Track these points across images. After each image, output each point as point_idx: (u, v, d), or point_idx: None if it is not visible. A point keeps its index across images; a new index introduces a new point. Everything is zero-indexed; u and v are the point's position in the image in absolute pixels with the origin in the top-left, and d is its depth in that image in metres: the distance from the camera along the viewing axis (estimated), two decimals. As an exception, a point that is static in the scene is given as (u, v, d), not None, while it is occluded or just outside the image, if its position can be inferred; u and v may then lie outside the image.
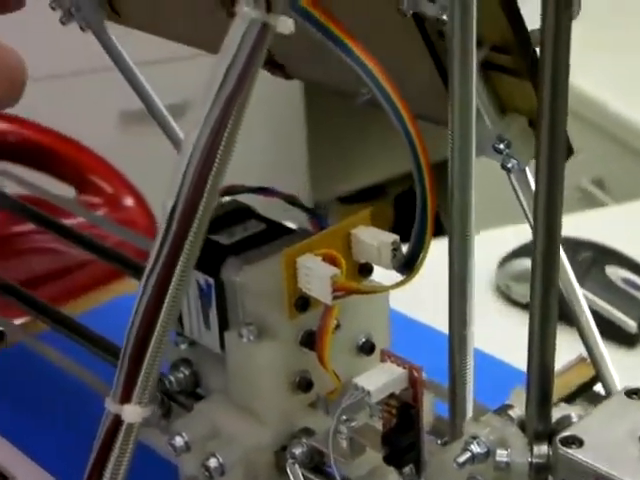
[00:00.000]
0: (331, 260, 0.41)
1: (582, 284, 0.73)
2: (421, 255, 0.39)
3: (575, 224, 0.85)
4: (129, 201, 1.37)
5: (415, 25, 0.42)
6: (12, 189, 0.70)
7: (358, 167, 2.00)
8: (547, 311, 0.35)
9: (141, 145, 1.61)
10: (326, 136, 1.96)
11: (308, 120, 1.90)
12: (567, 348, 0.50)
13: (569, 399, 0.50)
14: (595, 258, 0.78)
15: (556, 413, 0.36)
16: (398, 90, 0.38)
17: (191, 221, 0.35)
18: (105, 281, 0.78)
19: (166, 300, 0.35)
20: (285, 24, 0.34)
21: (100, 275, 0.97)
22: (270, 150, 1.90)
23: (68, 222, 0.82)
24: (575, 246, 0.79)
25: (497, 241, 0.79)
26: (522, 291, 0.77)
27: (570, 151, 0.44)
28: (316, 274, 0.40)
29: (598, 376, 0.49)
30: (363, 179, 2.02)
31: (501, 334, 0.59)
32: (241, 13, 0.34)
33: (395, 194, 1.98)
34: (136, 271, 0.58)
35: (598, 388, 0.50)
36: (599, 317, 0.70)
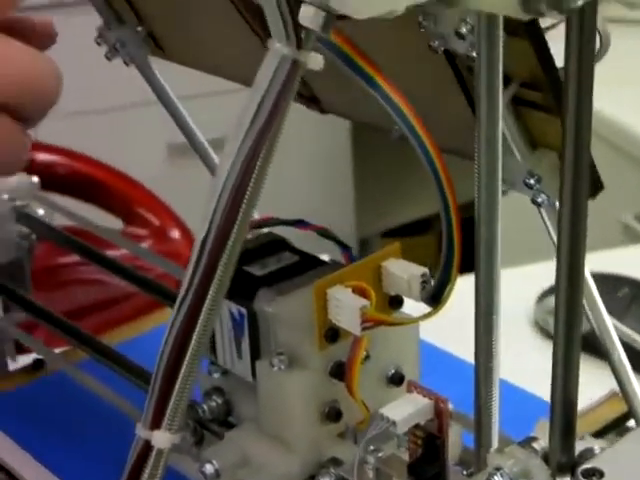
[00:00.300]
0: (361, 292, 0.41)
1: (622, 320, 0.74)
2: (448, 288, 0.40)
3: (616, 260, 0.85)
4: (175, 233, 1.39)
5: (446, 61, 0.43)
6: (59, 220, 0.71)
7: (404, 202, 2.01)
8: (570, 344, 0.36)
9: (188, 177, 1.62)
10: (372, 171, 1.97)
11: (354, 155, 1.92)
12: (603, 383, 0.50)
13: (600, 434, 0.50)
14: (635, 294, 0.78)
15: (580, 446, 0.37)
16: (424, 124, 0.39)
17: (222, 251, 0.35)
18: (149, 312, 0.79)
19: (197, 328, 0.36)
20: (315, 60, 0.35)
21: (145, 306, 0.98)
22: (316, 184, 1.91)
23: (113, 254, 0.84)
24: (615, 282, 0.79)
25: (536, 276, 0.79)
26: (561, 326, 0.77)
27: (600, 186, 0.44)
28: (345, 305, 0.41)
29: (630, 411, 0.49)
30: (409, 213, 2.02)
31: (539, 368, 0.59)
32: (273, 49, 0.35)
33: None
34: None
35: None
36: (638, 353, 0.70)
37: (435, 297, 0.41)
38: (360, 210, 1.95)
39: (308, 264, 0.46)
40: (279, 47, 0.35)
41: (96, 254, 0.66)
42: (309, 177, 1.87)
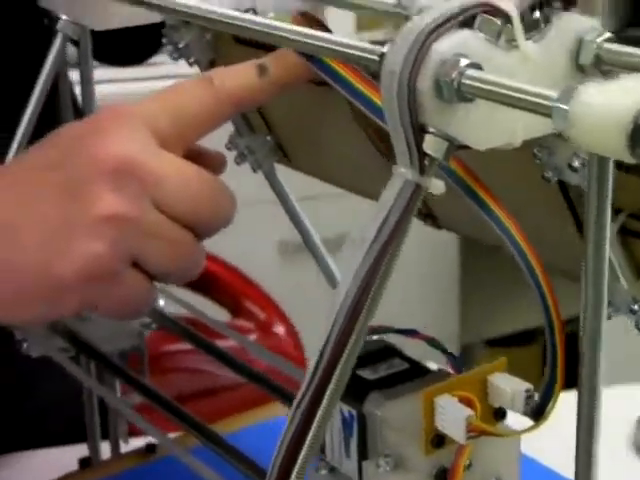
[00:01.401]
0: (467, 402, 0.43)
1: None
2: (550, 404, 0.42)
3: None
4: (280, 329, 1.42)
5: (559, 188, 0.45)
6: (170, 307, 0.74)
7: (508, 312, 2.01)
8: None
9: (297, 275, 1.66)
10: (478, 279, 1.99)
11: (461, 262, 1.94)
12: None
13: None
14: None
15: None
16: (534, 245, 0.41)
17: (338, 360, 0.38)
18: (251, 405, 0.82)
19: (311, 431, 0.38)
20: (436, 186, 0.38)
21: (248, 399, 1.01)
22: (423, 291, 1.93)
23: (221, 344, 0.87)
24: None
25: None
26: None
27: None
28: (452, 414, 0.43)
29: None
30: (513, 324, 2.02)
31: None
32: (397, 173, 0.38)
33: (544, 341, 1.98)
34: (284, 397, 0.61)
35: None
36: None
37: (538, 412, 0.42)
38: (464, 317, 1.97)
39: (417, 372, 0.48)
40: (403, 172, 0.37)
41: (209, 345, 0.69)
42: (416, 284, 1.89)
